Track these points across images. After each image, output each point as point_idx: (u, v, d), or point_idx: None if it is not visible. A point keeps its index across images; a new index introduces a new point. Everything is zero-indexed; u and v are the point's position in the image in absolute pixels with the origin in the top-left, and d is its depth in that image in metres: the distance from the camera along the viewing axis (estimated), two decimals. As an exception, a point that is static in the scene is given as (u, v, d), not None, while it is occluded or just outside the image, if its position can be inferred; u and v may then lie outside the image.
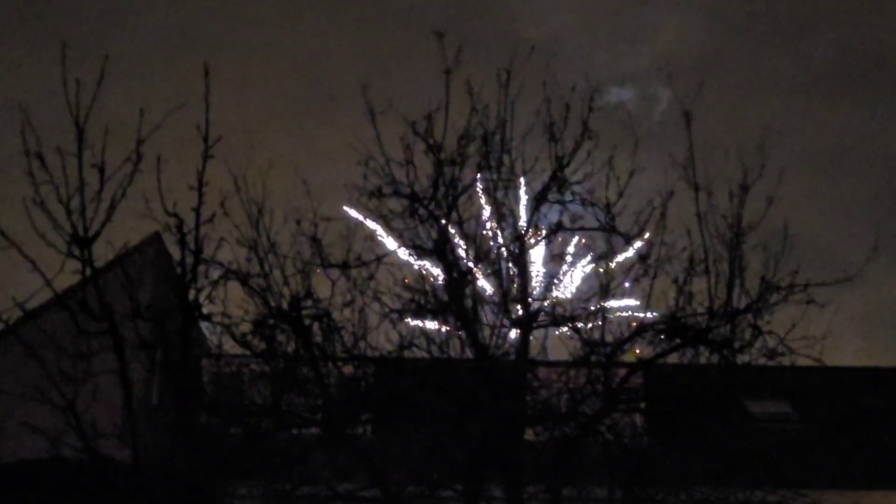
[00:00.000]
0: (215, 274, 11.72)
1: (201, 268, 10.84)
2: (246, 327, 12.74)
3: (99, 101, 9.50)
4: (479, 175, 13.05)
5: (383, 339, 13.22)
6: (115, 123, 9.68)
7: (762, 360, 12.10)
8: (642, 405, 13.03)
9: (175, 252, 11.28)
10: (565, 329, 13.20)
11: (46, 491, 10.54)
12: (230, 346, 12.89)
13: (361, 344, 13.13)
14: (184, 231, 10.54)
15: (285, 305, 12.85)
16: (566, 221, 13.23)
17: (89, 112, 9.70)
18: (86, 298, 9.66)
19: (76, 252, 9.71)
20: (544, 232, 13.28)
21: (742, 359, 12.10)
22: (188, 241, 10.59)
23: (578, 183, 13.25)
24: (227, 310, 12.22)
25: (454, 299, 13.09)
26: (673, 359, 12.74)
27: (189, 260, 10.54)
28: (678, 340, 12.47)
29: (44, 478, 10.35)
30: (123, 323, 9.90)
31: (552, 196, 13.23)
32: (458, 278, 13.10)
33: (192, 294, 10.73)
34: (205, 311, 10.71)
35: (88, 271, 9.81)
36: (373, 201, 13.26)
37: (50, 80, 9.54)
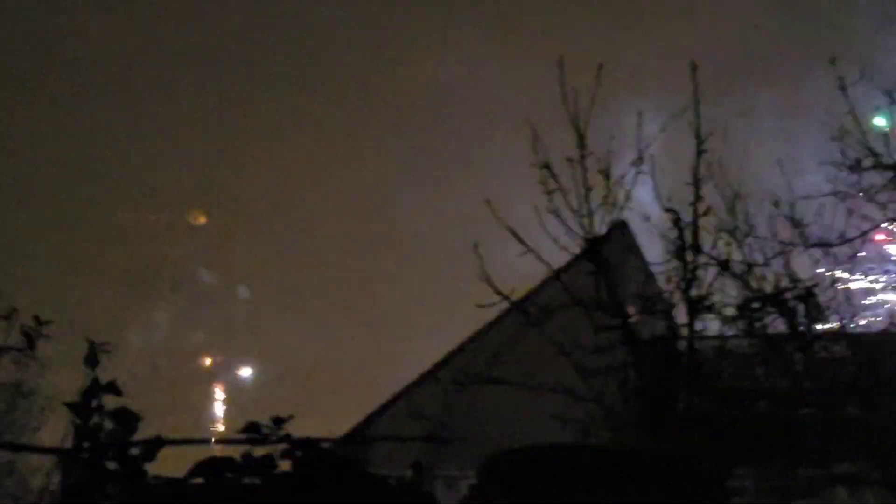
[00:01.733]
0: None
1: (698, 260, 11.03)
2: (733, 312, 12.83)
3: (598, 108, 9.90)
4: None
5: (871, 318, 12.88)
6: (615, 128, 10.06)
7: None
8: None
9: (651, 241, 11.62)
10: None
11: (577, 476, 11.12)
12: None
13: (850, 323, 12.84)
14: (681, 226, 10.77)
15: (768, 288, 12.81)
16: None
17: (588, 119, 10.16)
18: (599, 296, 10.12)
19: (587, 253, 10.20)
20: None
21: None
22: (686, 235, 10.80)
23: None
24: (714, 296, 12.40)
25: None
26: None
27: (689, 254, 10.75)
28: None
29: (574, 463, 10.93)
30: (633, 317, 10.28)
31: None
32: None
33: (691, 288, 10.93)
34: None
35: (599, 271, 10.28)
36: (852, 176, 12.91)
37: (549, 91, 10.08)
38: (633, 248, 16.03)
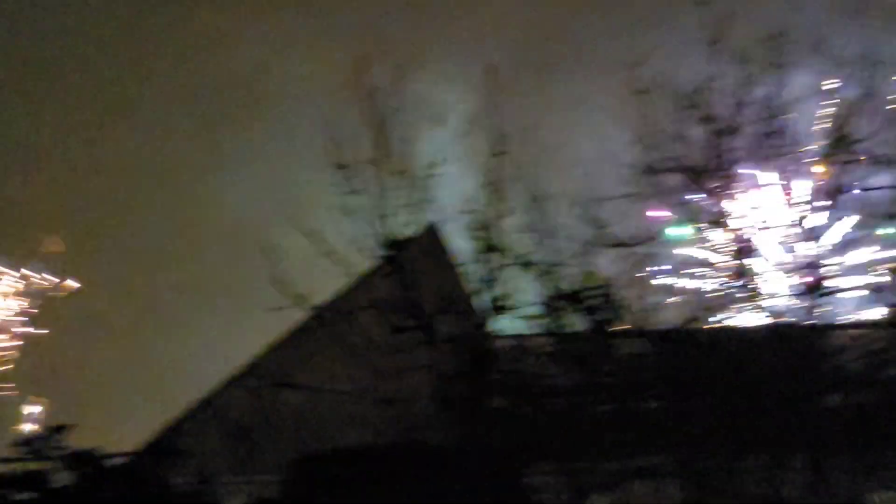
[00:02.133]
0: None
1: (498, 260, 11.13)
2: (533, 311, 13.02)
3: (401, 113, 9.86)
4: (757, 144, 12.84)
5: (669, 314, 13.25)
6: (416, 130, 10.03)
7: None
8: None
9: (459, 245, 11.70)
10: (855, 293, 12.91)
11: (369, 477, 11.11)
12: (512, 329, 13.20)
13: (648, 319, 13.19)
14: (480, 227, 10.85)
15: (570, 287, 13.05)
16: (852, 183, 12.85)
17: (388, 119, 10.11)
18: (398, 298, 10.10)
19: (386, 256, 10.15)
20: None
21: None
22: (481, 236, 10.88)
23: (861, 141, 12.86)
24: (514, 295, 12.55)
25: (738, 269, 12.99)
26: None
27: (487, 256, 10.83)
28: None
29: (366, 464, 10.91)
30: (431, 318, 10.30)
31: (834, 156, 12.89)
32: (742, 248, 12.98)
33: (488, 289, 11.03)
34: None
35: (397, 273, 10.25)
36: (649, 178, 13.26)
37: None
38: (440, 250, 16.14)
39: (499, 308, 11.70)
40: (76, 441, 9.92)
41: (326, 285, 10.98)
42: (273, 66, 24.30)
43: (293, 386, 10.75)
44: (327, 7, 24.67)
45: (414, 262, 11.15)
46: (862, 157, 12.82)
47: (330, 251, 10.04)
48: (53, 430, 6.62)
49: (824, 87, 12.98)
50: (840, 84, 12.86)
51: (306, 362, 12.40)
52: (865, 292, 12.74)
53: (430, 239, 15.63)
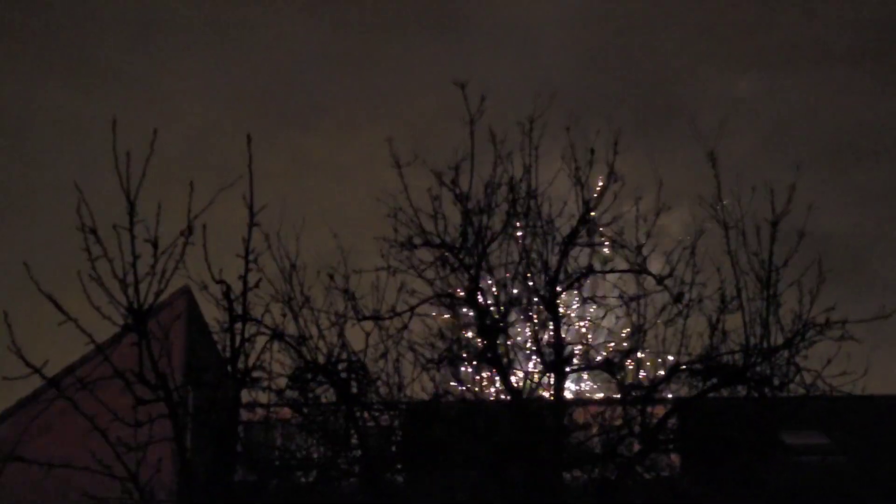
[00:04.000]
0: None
1: (249, 330, 10.92)
2: (282, 382, 12.84)
3: (149, 176, 9.60)
4: (509, 223, 13.19)
5: (419, 389, 13.34)
6: (165, 197, 9.77)
7: (800, 392, 12.27)
8: (679, 444, 13.17)
9: (212, 310, 11.45)
10: (600, 371, 13.39)
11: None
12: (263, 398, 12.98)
13: (397, 394, 13.23)
14: (231, 298, 10.64)
15: (321, 359, 12.96)
16: (597, 265, 13.38)
17: (140, 186, 9.82)
18: (142, 369, 9.74)
19: (131, 324, 9.79)
20: (575, 276, 13.41)
21: (779, 394, 12.26)
22: (236, 307, 10.68)
23: (607, 225, 13.44)
24: (266, 366, 12.34)
25: (488, 346, 13.24)
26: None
27: (237, 326, 10.62)
28: (715, 380, 12.62)
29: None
30: (178, 389, 9.98)
31: (581, 240, 13.40)
32: (491, 325, 13.24)
33: (240, 359, 10.81)
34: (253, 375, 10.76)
35: (143, 343, 9.90)
36: (404, 252, 13.39)
37: (103, 156, 9.65)
38: (193, 317, 15.73)
39: (249, 379, 11.46)
40: None
41: (66, 354, 10.44)
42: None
43: (24, 460, 10.10)
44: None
45: (164, 330, 10.77)
46: (607, 240, 13.38)
47: (71, 318, 9.56)
48: None
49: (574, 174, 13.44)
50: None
51: (41, 434, 11.77)
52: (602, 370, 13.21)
53: (183, 306, 15.27)
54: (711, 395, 12.87)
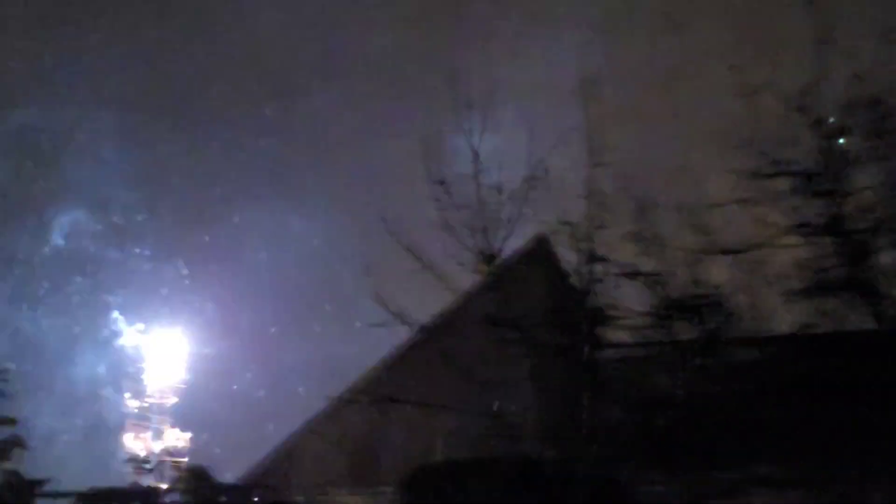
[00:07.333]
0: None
1: (599, 269, 11.11)
2: (641, 320, 12.93)
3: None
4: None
5: (780, 322, 13.00)
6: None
7: None
8: None
9: (565, 254, 11.71)
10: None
11: (478, 489, 11.20)
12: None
13: (760, 327, 12.97)
14: (578, 237, 10.86)
15: (678, 295, 12.92)
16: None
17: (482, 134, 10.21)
18: (498, 310, 10.17)
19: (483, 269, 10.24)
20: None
21: None
22: (582, 247, 10.88)
23: None
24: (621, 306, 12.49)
25: (855, 274, 12.66)
26: None
27: (586, 265, 10.83)
28: None
29: (475, 478, 11.02)
30: (535, 329, 10.34)
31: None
32: (858, 251, 12.65)
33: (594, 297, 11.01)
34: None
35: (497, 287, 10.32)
36: (758, 182, 13.03)
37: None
38: (547, 262, 16.15)
39: (606, 318, 11.65)
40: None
41: (426, 301, 11.08)
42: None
43: (404, 401, 10.91)
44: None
45: (519, 274, 11.21)
46: None
47: (430, 266, 10.16)
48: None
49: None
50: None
51: (415, 378, 12.53)
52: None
53: (537, 250, 15.69)
54: None
